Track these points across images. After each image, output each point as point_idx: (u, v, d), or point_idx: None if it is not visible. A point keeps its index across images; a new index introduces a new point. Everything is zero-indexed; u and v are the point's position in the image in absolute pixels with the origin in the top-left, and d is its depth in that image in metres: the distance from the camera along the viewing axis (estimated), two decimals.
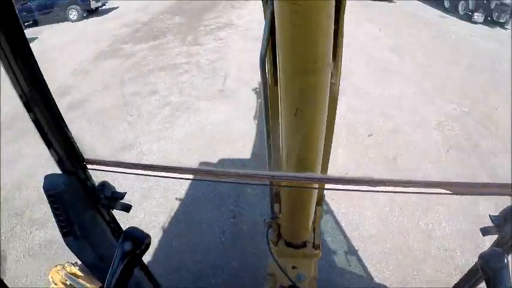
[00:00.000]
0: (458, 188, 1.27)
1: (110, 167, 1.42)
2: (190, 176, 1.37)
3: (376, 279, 4.24)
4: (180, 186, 5.36)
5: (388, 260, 4.40)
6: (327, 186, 1.34)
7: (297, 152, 1.54)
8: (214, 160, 5.84)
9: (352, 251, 4.50)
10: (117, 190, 1.52)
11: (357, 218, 4.91)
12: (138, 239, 1.16)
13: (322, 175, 1.35)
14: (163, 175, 1.34)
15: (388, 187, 1.22)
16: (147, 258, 4.54)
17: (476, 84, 9.23)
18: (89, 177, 1.49)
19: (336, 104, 1.60)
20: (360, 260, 4.40)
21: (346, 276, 4.28)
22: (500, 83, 9.38)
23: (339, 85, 1.50)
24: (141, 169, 1.37)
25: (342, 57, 1.38)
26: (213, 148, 6.12)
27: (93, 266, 1.63)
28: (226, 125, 6.67)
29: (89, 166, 1.45)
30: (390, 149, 6.15)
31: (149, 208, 5.19)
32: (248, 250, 4.53)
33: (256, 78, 7.77)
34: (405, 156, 5.98)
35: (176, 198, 5.27)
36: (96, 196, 1.49)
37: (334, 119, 1.68)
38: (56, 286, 3.37)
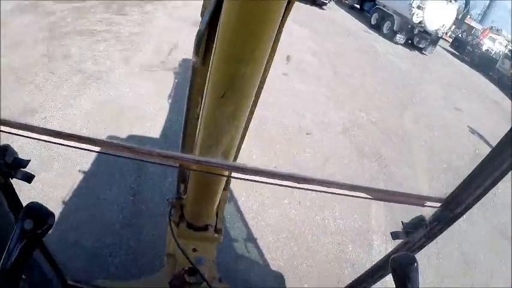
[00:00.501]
0: (378, 194, 1.32)
1: (15, 129, 1.21)
2: (97, 148, 1.24)
3: (272, 267, 4.39)
4: (82, 158, 5.05)
5: (283, 250, 4.57)
6: (237, 175, 1.29)
7: (214, 135, 1.51)
8: (122, 135, 5.61)
9: (250, 239, 4.61)
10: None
11: (256, 206, 5.03)
12: (41, 216, 1.03)
13: (237, 163, 1.33)
14: (72, 145, 1.19)
15: (309, 185, 1.23)
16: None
17: (387, 97, 10.02)
18: None
19: (260, 93, 1.59)
20: (257, 247, 4.51)
21: (244, 262, 4.38)
22: (408, 101, 10.30)
23: (266, 77, 1.50)
24: (52, 136, 1.20)
25: (276, 49, 1.38)
26: (121, 123, 5.86)
27: None
28: (138, 101, 6.41)
29: None
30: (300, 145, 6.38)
31: (48, 179, 4.83)
32: (146, 230, 4.44)
33: (172, 58, 7.62)
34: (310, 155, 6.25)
35: (79, 171, 4.96)
36: None
37: (255, 107, 1.67)
38: None
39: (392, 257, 1.24)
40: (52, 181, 4.82)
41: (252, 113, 1.64)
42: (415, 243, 1.49)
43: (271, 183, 1.22)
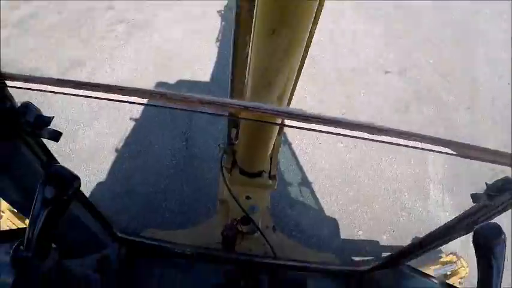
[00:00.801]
0: (458, 149, 1.08)
1: (38, 85, 1.06)
2: (137, 99, 1.07)
3: (326, 213, 4.31)
4: (132, 106, 5.06)
5: (338, 195, 4.46)
6: (292, 123, 1.09)
7: (265, 78, 1.35)
8: (171, 81, 5.56)
9: (305, 183, 4.52)
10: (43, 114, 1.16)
11: (310, 149, 4.89)
12: (64, 182, 0.93)
13: (293, 109, 1.15)
14: (109, 97, 1.04)
15: (375, 135, 1.04)
16: (97, 180, 4.41)
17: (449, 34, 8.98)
18: (8, 97, 1.13)
19: (315, 28, 1.37)
20: (312, 192, 4.43)
21: (297, 207, 4.32)
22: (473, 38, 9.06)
23: (322, 9, 1.29)
24: (82, 88, 1.04)
25: None
26: (169, 69, 5.79)
27: (19, 205, 1.38)
28: (184, 47, 6.26)
29: (8, 83, 1.09)
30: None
31: (100, 128, 4.89)
32: (200, 174, 4.43)
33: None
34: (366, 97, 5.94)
35: (130, 118, 4.99)
36: (17, 122, 1.14)
37: (310, 44, 1.46)
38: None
39: (476, 229, 1.06)
40: (104, 130, 4.87)
41: (306, 51, 1.44)
42: (493, 208, 1.27)
43: (332, 133, 1.03)
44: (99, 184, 4.38)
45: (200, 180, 4.36)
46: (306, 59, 1.52)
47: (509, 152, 1.03)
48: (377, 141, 1.05)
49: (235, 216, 2.70)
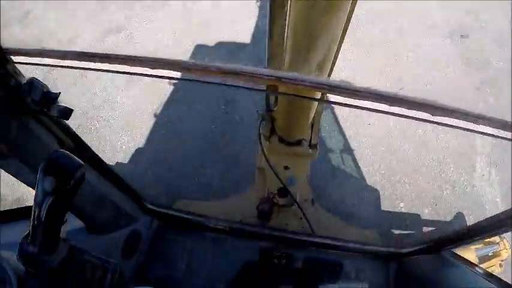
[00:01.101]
0: None
1: (46, 59, 0.98)
2: (160, 72, 0.95)
3: (368, 182, 4.19)
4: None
5: (381, 164, 4.32)
6: (334, 98, 0.96)
7: (306, 41, 1.22)
8: (210, 43, 5.45)
9: (347, 150, 4.40)
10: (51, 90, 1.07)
11: (353, 118, 4.71)
12: (65, 171, 0.83)
13: (338, 81, 0.99)
14: (128, 70, 0.95)
15: (433, 115, 0.90)
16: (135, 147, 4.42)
17: None
18: (12, 74, 1.04)
19: None
20: (354, 160, 4.30)
21: (337, 175, 4.21)
22: None
23: None
24: (92, 61, 0.95)
25: None
26: (207, 32, 5.65)
27: None
28: (222, 9, 6.08)
29: (15, 59, 1.02)
30: None
31: (137, 95, 4.89)
32: (239, 140, 4.37)
33: None
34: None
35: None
36: (23, 100, 1.06)
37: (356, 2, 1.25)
38: None
39: None
40: (142, 96, 4.87)
41: (352, 10, 1.25)
42: None
43: (383, 112, 0.91)
44: (136, 149, 4.42)
45: (239, 145, 4.31)
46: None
47: None
48: (439, 123, 0.91)
49: (273, 188, 2.61)
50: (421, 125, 4.66)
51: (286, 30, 1.29)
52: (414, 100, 0.89)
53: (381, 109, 0.92)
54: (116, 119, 4.67)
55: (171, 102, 4.79)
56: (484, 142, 4.65)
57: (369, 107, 0.92)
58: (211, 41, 5.48)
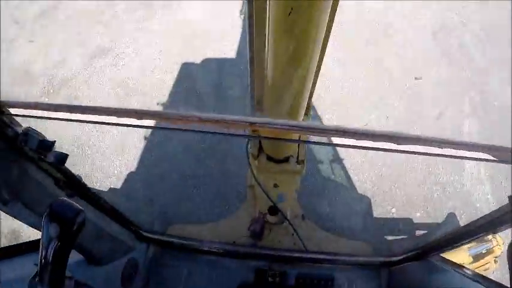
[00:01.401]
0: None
1: (35, 110, 1.06)
2: (138, 122, 1.04)
3: (359, 190, 4.25)
4: (161, 90, 5.11)
5: (371, 171, 4.39)
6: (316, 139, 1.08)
7: (284, 68, 1.27)
8: (197, 61, 5.51)
9: (336, 160, 4.46)
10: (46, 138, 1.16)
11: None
12: (66, 218, 0.92)
13: (308, 123, 1.04)
14: (108, 121, 1.04)
15: (414, 146, 1.00)
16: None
17: None
18: (8, 125, 1.12)
19: (337, 5, 1.22)
20: (344, 169, 4.37)
21: (329, 184, 4.27)
22: None
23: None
24: (83, 113, 1.04)
25: None
26: (193, 48, 5.71)
27: (38, 226, 1.36)
28: (207, 22, 6.16)
29: (12, 111, 1.10)
30: None
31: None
32: (229, 160, 4.44)
33: None
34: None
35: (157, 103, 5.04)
36: (21, 149, 1.15)
37: (332, 24, 1.31)
38: None
39: (509, 244, 0.98)
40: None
41: (326, 39, 1.32)
42: None
43: (352, 146, 1.00)
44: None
45: (229, 165, 4.37)
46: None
47: None
48: (402, 151, 1.00)
49: (263, 206, 2.65)
50: (410, 129, 4.74)
51: (266, 60, 1.35)
52: (375, 133, 0.98)
53: (350, 144, 1.01)
54: (107, 145, 4.73)
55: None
56: (472, 140, 4.71)
57: (339, 143, 1.01)
58: (197, 59, 5.55)
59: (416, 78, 5.37)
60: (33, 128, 1.16)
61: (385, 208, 4.20)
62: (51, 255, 0.91)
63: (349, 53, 5.60)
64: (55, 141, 1.15)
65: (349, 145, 1.01)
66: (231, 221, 3.05)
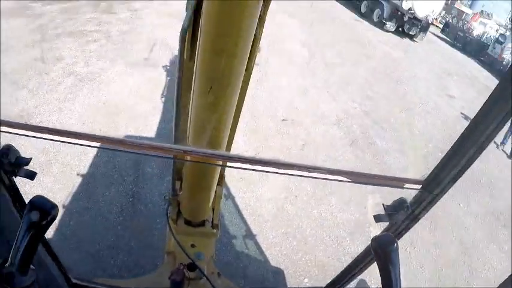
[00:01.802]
0: (359, 178, 1.33)
1: (16, 129, 1.23)
2: (94, 143, 1.28)
3: (272, 262, 4.45)
4: (79, 162, 5.08)
5: (282, 245, 4.63)
6: (231, 164, 1.34)
7: (205, 128, 1.56)
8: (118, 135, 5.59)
9: (249, 235, 4.67)
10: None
11: (253, 202, 5.06)
12: (46, 208, 1.08)
13: (228, 153, 1.37)
14: (72, 141, 1.23)
15: (292, 170, 1.26)
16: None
17: (378, 87, 9.98)
18: None
19: (247, 88, 1.62)
20: (256, 243, 4.57)
21: (243, 259, 4.43)
22: (400, 90, 10.26)
23: (252, 71, 1.53)
24: (50, 133, 1.23)
25: (259, 45, 1.41)
26: (116, 124, 5.87)
27: None
28: (131, 101, 6.40)
29: None
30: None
31: (48, 183, 4.85)
32: (146, 230, 4.49)
33: (166, 55, 7.59)
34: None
35: (77, 174, 4.99)
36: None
37: (243, 101, 1.70)
38: None
39: (373, 237, 1.25)
40: (50, 185, 4.82)
41: (239, 106, 1.67)
42: (398, 226, 1.50)
43: (255, 170, 1.26)
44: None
45: (147, 235, 4.42)
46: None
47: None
48: (289, 174, 1.26)
49: (183, 259, 2.82)
50: (316, 206, 5.13)
51: (189, 118, 1.63)
52: (270, 161, 1.25)
53: (262, 169, 1.25)
54: None
55: (78, 194, 4.84)
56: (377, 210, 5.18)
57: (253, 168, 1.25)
58: (119, 134, 5.66)
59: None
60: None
61: (298, 279, 4.40)
62: (26, 241, 1.04)
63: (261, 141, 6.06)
64: (31, 158, 1.30)
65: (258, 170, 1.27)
66: (153, 276, 3.11)
